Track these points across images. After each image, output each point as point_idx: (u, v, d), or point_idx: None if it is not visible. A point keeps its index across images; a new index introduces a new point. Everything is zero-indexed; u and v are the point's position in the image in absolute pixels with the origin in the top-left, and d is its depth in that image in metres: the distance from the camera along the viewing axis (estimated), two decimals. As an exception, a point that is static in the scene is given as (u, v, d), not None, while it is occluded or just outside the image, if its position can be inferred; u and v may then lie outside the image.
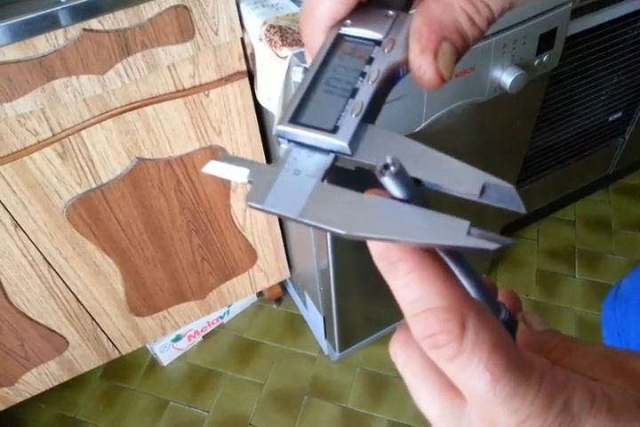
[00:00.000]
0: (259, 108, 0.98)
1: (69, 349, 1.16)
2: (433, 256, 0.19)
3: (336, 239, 0.99)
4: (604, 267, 1.56)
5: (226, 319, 1.49)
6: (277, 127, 0.21)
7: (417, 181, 0.20)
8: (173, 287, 1.19)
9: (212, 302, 1.29)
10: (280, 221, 1.22)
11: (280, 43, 0.75)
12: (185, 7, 0.79)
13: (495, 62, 0.86)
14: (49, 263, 0.98)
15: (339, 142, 0.20)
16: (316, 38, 0.23)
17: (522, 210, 0.19)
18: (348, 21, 0.22)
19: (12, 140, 0.80)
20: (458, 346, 0.17)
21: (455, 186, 0.20)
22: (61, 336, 1.12)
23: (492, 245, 0.18)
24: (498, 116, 1.02)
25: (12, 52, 0.71)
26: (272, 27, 0.78)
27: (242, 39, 0.88)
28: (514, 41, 0.85)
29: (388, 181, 0.19)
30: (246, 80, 0.93)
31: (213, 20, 0.82)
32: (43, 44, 0.73)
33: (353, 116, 0.21)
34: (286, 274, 1.37)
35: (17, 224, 0.89)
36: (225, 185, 1.07)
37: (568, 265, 1.57)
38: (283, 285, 1.52)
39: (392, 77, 0.22)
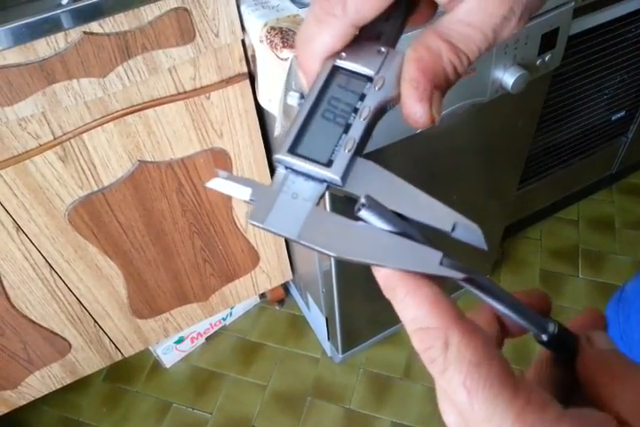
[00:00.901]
0: (260, 110, 0.98)
1: (72, 351, 1.16)
2: (427, 282, 0.21)
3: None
4: (608, 267, 1.56)
5: (228, 321, 1.49)
6: (276, 156, 0.23)
7: (397, 214, 0.22)
8: (176, 289, 1.19)
9: (215, 303, 1.29)
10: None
11: (281, 44, 0.75)
12: (185, 9, 0.79)
13: (497, 62, 0.85)
14: (51, 266, 0.98)
15: (332, 176, 0.23)
16: (312, 67, 0.25)
17: (484, 247, 0.22)
18: (343, 54, 0.24)
19: (13, 144, 0.80)
20: (444, 361, 0.19)
21: (430, 221, 0.22)
22: (64, 339, 1.12)
23: (459, 275, 0.21)
24: (500, 117, 1.02)
25: (13, 56, 0.71)
26: (273, 28, 0.77)
27: (242, 41, 0.88)
28: (515, 41, 0.84)
29: (364, 217, 0.22)
30: (247, 82, 0.93)
31: (214, 22, 0.82)
32: (43, 47, 0.72)
33: (346, 151, 0.23)
34: (288, 276, 1.37)
35: (19, 227, 0.89)
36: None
37: (571, 265, 1.57)
38: (285, 286, 1.52)
39: (381, 112, 0.24)
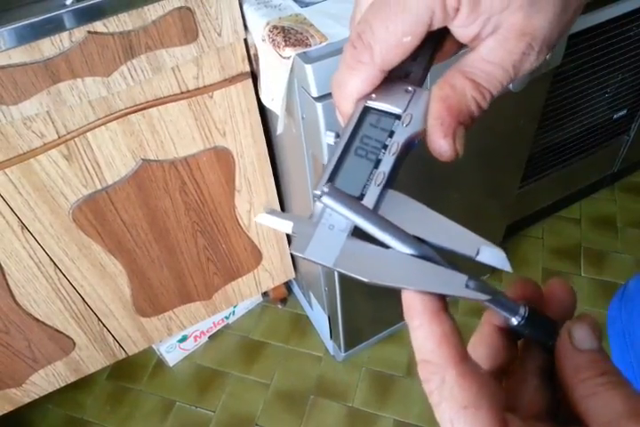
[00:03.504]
0: (262, 109, 0.99)
1: (76, 350, 1.17)
2: (442, 318, 0.23)
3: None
4: (610, 265, 1.56)
5: (231, 320, 1.50)
6: (315, 191, 0.25)
7: (422, 240, 0.24)
8: (179, 288, 1.20)
9: (218, 302, 1.30)
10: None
11: (283, 43, 0.76)
12: (188, 9, 0.79)
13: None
14: (55, 265, 0.99)
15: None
16: (346, 107, 0.27)
17: (509, 270, 0.23)
18: (373, 95, 0.26)
19: (18, 143, 0.81)
20: (438, 395, 0.21)
21: (456, 248, 0.24)
22: (68, 337, 1.13)
23: (484, 297, 0.23)
24: (501, 116, 1.02)
25: (18, 56, 0.72)
26: (275, 27, 0.78)
27: (245, 40, 0.88)
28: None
29: (326, 203, 0.24)
30: (250, 81, 0.93)
31: (217, 21, 0.83)
32: (48, 47, 0.73)
33: (376, 185, 0.25)
34: (291, 274, 1.37)
35: (23, 226, 0.90)
36: (229, 186, 1.07)
37: (573, 263, 1.57)
38: (288, 285, 1.52)
39: (409, 147, 0.26)
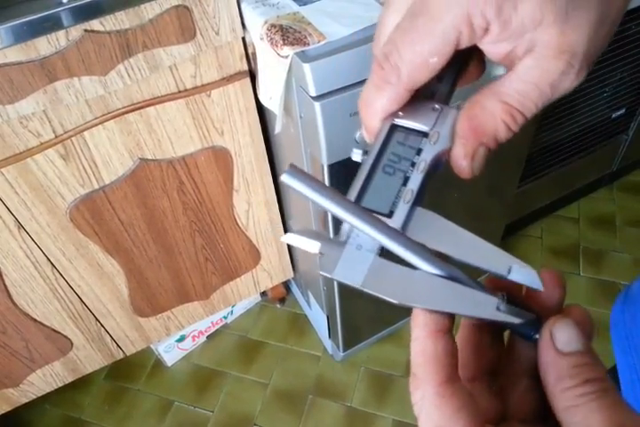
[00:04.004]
0: (260, 108, 0.98)
1: (74, 350, 1.16)
2: (438, 337, 0.22)
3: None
4: (609, 264, 1.56)
5: (230, 319, 1.49)
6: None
7: (451, 258, 0.24)
8: (177, 288, 1.19)
9: (216, 302, 1.29)
10: (283, 220, 1.22)
11: (281, 42, 0.75)
12: (186, 7, 0.79)
13: (497, 60, 0.85)
14: (52, 264, 0.98)
15: (393, 226, 0.25)
16: (373, 126, 0.27)
17: (540, 289, 0.23)
18: (401, 113, 0.26)
19: (14, 142, 0.80)
20: (418, 408, 0.22)
21: (487, 266, 0.23)
22: (66, 337, 1.13)
23: (516, 320, 0.22)
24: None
25: (14, 54, 0.71)
26: (273, 26, 0.78)
27: (243, 39, 0.88)
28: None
29: (287, 182, 0.24)
30: (248, 80, 0.93)
31: (214, 19, 0.82)
32: (44, 45, 0.73)
33: (405, 203, 0.25)
34: (290, 274, 1.37)
35: (20, 226, 0.90)
36: (227, 186, 1.07)
37: (572, 263, 1.57)
38: (286, 284, 1.52)
39: (436, 164, 0.26)
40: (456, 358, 0.23)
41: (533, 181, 1.45)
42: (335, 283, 1.11)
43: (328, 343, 1.40)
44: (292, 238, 0.25)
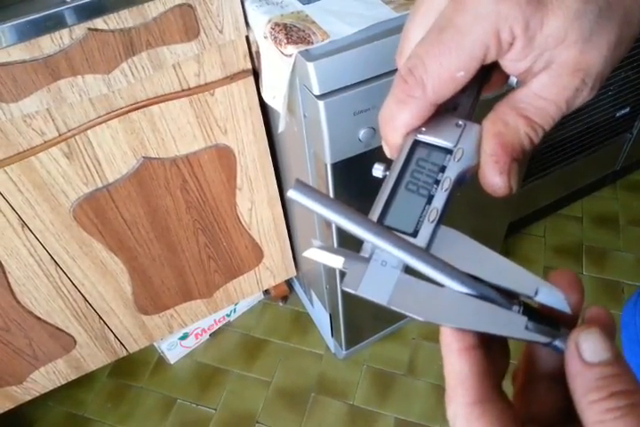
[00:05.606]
0: (264, 107, 0.98)
1: (77, 347, 1.16)
2: (469, 356, 0.22)
3: (342, 236, 0.99)
4: (612, 264, 1.55)
5: (232, 317, 1.50)
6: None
7: (475, 278, 0.23)
8: (180, 286, 1.20)
9: (219, 300, 1.30)
10: (286, 219, 1.22)
11: (285, 41, 0.75)
12: (189, 6, 0.79)
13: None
14: (56, 263, 0.99)
15: (418, 245, 0.24)
16: (395, 141, 0.27)
17: (568, 311, 0.23)
18: (423, 129, 0.26)
19: (18, 141, 0.80)
20: (452, 422, 0.22)
21: (513, 286, 0.23)
22: (69, 335, 1.13)
23: (544, 339, 0.22)
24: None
25: (18, 53, 0.71)
26: (277, 25, 0.77)
27: (247, 37, 0.88)
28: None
29: (293, 197, 0.23)
30: (251, 78, 0.93)
31: (218, 18, 0.82)
32: (48, 44, 0.73)
33: (430, 222, 0.24)
34: (292, 272, 1.37)
35: (24, 224, 0.90)
36: (230, 184, 1.07)
37: (575, 262, 1.57)
38: (289, 283, 1.52)
39: (460, 182, 0.25)
40: (486, 375, 0.22)
41: (537, 179, 1.45)
42: (338, 282, 1.11)
43: (330, 342, 1.40)
44: (314, 253, 0.25)
